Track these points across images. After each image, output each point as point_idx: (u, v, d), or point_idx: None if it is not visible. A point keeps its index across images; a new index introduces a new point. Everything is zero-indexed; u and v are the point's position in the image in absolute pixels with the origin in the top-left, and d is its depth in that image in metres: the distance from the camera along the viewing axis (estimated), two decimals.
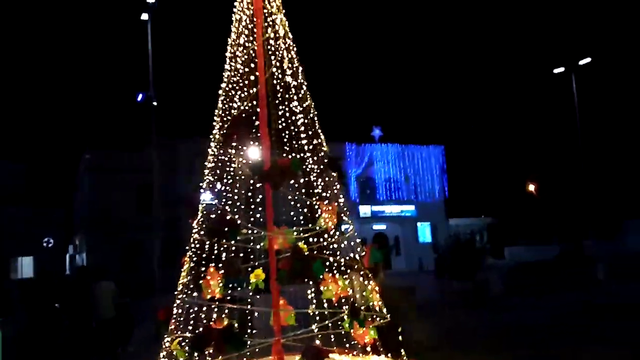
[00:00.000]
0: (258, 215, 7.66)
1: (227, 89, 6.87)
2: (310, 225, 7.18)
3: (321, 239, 7.16)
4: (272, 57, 6.74)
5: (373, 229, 42.85)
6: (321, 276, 6.09)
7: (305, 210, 7.92)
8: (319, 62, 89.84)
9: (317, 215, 7.08)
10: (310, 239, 7.02)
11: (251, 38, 6.93)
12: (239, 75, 6.75)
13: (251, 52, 6.79)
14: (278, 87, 6.74)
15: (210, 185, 7.41)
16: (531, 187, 49.26)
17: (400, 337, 6.53)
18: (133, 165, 33.94)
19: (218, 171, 7.36)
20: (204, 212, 6.74)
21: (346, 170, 41.48)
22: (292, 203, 7.34)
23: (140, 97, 17.13)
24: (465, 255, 17.37)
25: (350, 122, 77.13)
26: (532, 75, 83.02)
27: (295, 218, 7.97)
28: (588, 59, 23.68)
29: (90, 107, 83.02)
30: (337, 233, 7.05)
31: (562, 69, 25.00)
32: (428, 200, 45.05)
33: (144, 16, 16.57)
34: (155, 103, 16.74)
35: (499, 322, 13.31)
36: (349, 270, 7.23)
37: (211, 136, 7.51)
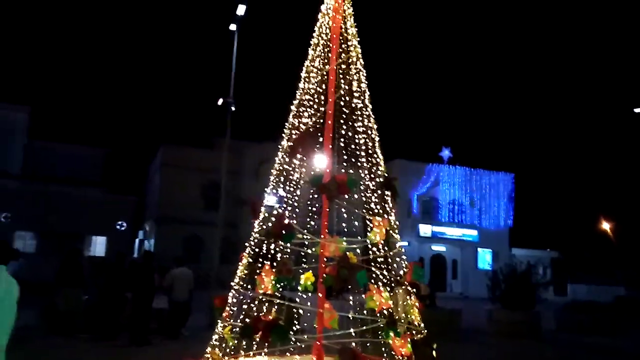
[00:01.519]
0: (314, 223, 8.28)
1: (298, 105, 7.51)
2: (360, 237, 7.70)
3: (370, 252, 7.66)
4: (342, 80, 7.33)
5: (432, 250, 42.52)
6: (365, 285, 6.59)
7: (359, 223, 8.45)
8: (397, 80, 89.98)
9: (369, 229, 7.60)
10: (359, 250, 7.54)
11: (326, 60, 7.55)
12: (310, 94, 7.38)
13: (324, 73, 7.40)
14: (345, 108, 7.31)
15: (274, 190, 8.10)
16: (606, 226, 47.16)
17: (434, 353, 6.87)
18: (203, 164, 35.62)
19: (282, 178, 8.03)
20: (265, 215, 7.39)
21: (409, 189, 41.46)
22: (347, 216, 7.89)
23: (220, 101, 18.20)
24: (520, 285, 17.21)
25: (421, 140, 76.69)
26: (612, 112, 79.60)
27: (347, 229, 8.53)
28: None
29: (170, 104, 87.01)
30: (386, 248, 7.53)
31: None
32: (492, 227, 44.21)
33: (232, 27, 17.69)
34: (233, 108, 17.76)
35: (541, 356, 13.25)
36: (393, 284, 7.68)
37: (279, 146, 8.19)
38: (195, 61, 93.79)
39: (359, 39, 7.58)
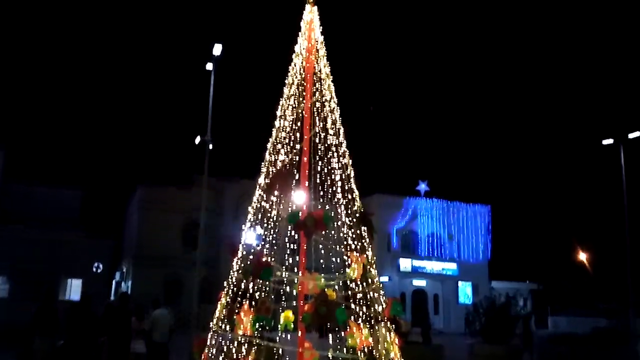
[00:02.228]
0: (292, 261, 8.28)
1: (274, 142, 7.62)
2: (338, 274, 7.70)
3: (349, 288, 7.67)
4: (317, 118, 7.47)
5: (413, 285, 42.41)
6: (344, 322, 6.57)
7: (337, 259, 8.47)
8: (372, 113, 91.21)
9: (347, 265, 7.62)
10: (338, 287, 7.53)
11: (301, 99, 7.69)
12: (286, 131, 7.49)
13: (300, 111, 7.52)
14: (320, 145, 7.42)
15: (252, 228, 8.10)
16: (583, 257, 47.52)
17: None
18: (181, 203, 35.37)
19: (260, 216, 8.05)
20: (243, 253, 7.37)
21: (388, 223, 41.57)
22: (324, 252, 7.91)
23: (197, 140, 18.26)
24: (499, 318, 17.23)
25: (397, 174, 77.44)
26: (584, 144, 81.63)
27: (325, 266, 8.53)
28: (638, 133, 23.75)
29: (148, 143, 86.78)
30: (365, 284, 7.53)
31: (611, 141, 25.12)
32: (471, 259, 44.36)
33: (209, 66, 17.93)
34: (211, 147, 17.82)
35: None
36: (373, 321, 7.66)
37: (257, 183, 8.24)
38: (172, 100, 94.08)
39: (332, 77, 7.78)
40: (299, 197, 7.57)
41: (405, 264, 41.54)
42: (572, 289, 49.33)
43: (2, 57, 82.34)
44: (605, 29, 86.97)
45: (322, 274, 7.54)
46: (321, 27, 7.70)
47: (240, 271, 7.28)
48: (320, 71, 7.80)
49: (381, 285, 7.66)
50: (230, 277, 7.46)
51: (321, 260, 7.82)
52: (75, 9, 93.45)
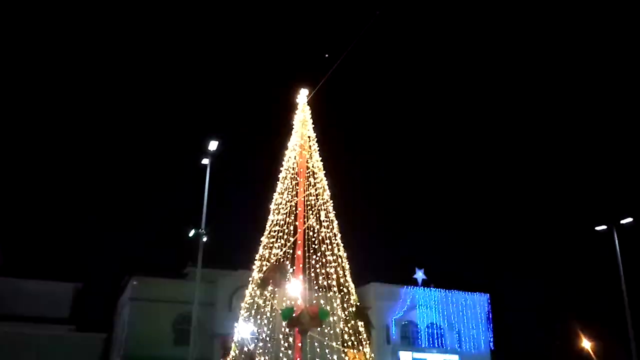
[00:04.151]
0: (289, 353, 8.00)
1: (268, 236, 7.66)
2: None
3: None
4: (311, 211, 7.56)
5: None
6: None
7: (334, 357, 8.22)
8: (365, 201, 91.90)
9: None
10: None
11: (294, 192, 7.83)
12: (280, 225, 7.55)
13: (293, 205, 7.64)
14: (314, 238, 7.45)
15: (246, 322, 7.92)
16: (586, 344, 46.06)
17: None
18: (174, 295, 34.59)
19: (253, 312, 7.91)
20: (236, 352, 7.17)
21: (386, 313, 40.68)
22: (320, 349, 7.69)
23: (192, 233, 18.21)
24: None
25: (393, 262, 76.71)
26: (575, 230, 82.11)
27: None
28: (630, 219, 24.26)
29: (142, 234, 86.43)
30: None
31: (604, 227, 25.50)
32: (473, 350, 42.99)
33: (205, 161, 18.31)
34: (205, 239, 17.75)
35: None
36: None
37: (250, 277, 8.16)
38: (167, 191, 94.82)
39: (324, 171, 7.97)
40: (294, 290, 7.48)
41: (406, 356, 40.11)
42: None
43: None
44: (597, 101, 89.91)
45: None
46: (314, 125, 8.01)
47: None
48: (313, 165, 8.00)
49: None
50: None
51: (317, 353, 7.61)
52: (68, 103, 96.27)
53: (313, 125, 8.11)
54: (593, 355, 44.51)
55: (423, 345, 41.40)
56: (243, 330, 7.69)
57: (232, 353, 7.35)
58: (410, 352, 40.48)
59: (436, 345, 41.83)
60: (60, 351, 29.35)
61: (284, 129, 8.06)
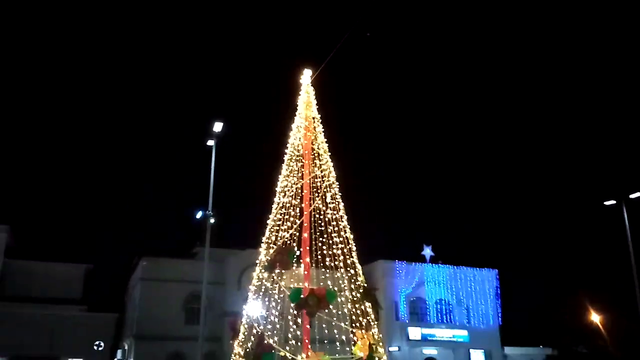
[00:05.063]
0: (299, 333, 8.05)
1: (274, 219, 7.64)
2: (346, 348, 7.50)
3: None
4: (317, 193, 7.51)
5: (423, 354, 41.11)
6: None
7: (342, 336, 8.27)
8: (375, 179, 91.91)
9: (352, 343, 7.42)
10: None
11: (300, 174, 7.78)
12: (286, 207, 7.52)
13: (299, 187, 7.59)
14: (320, 220, 7.43)
15: (253, 305, 7.96)
16: (595, 318, 46.18)
17: None
18: (184, 275, 34.93)
19: (261, 293, 7.94)
20: (245, 334, 7.21)
21: (394, 290, 40.88)
22: (329, 325, 7.72)
23: (199, 214, 18.30)
24: None
25: (401, 239, 76.93)
26: (584, 205, 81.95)
27: (329, 340, 8.28)
28: (639, 194, 24.12)
29: (147, 216, 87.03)
30: None
31: (613, 202, 25.39)
32: (481, 326, 43.21)
33: (210, 142, 18.30)
34: (212, 221, 17.82)
35: None
36: None
37: (257, 259, 8.17)
38: (175, 173, 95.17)
39: (330, 153, 7.89)
40: (296, 276, 7.51)
41: (415, 332, 40.41)
42: (587, 353, 47.70)
43: (5, 146, 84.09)
44: (613, 83, 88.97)
45: (327, 351, 7.34)
46: (318, 106, 7.93)
47: (242, 355, 7.09)
48: (318, 147, 7.94)
49: None
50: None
51: (326, 331, 7.64)
52: (79, 88, 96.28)
53: (317, 107, 8.02)
54: (602, 328, 44.67)
55: (432, 321, 41.63)
56: (251, 311, 7.73)
57: (240, 335, 7.39)
58: (419, 328, 40.72)
59: (445, 321, 42.07)
60: (73, 331, 29.77)
61: (289, 111, 8.01)
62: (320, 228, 7.64)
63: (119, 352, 40.35)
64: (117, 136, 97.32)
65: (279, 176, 8.11)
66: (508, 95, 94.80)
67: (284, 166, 8.00)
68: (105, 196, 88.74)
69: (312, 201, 7.46)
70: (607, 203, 25.61)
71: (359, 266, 7.49)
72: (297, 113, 8.21)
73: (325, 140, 8.12)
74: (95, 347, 30.42)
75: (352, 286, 7.41)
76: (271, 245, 7.53)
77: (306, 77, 8.23)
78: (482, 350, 42.11)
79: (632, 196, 24.64)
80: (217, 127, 17.61)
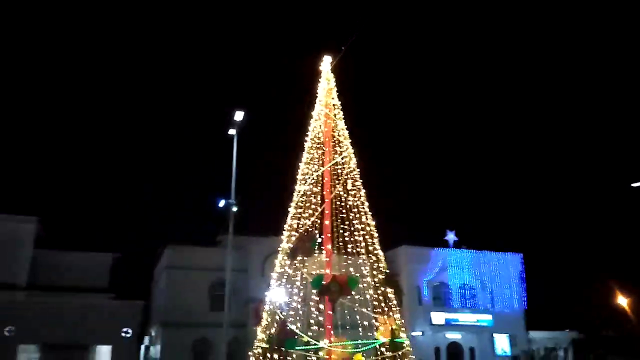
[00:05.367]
0: (320, 319, 8.11)
1: (295, 206, 7.68)
2: (368, 333, 7.54)
3: (378, 352, 7.48)
4: (337, 181, 7.52)
5: (447, 338, 41.13)
6: None
7: (364, 322, 8.30)
8: (398, 164, 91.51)
9: (375, 329, 7.46)
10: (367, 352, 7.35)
11: (320, 162, 7.79)
12: (307, 195, 7.54)
13: (320, 174, 7.60)
14: (341, 207, 7.45)
15: (276, 291, 8.04)
16: (622, 301, 45.57)
17: None
18: (208, 263, 35.33)
19: (284, 280, 8.01)
20: (268, 320, 7.29)
21: (418, 275, 40.87)
22: (352, 311, 7.76)
23: (222, 203, 18.46)
24: None
25: (424, 225, 76.63)
26: (613, 185, 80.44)
27: (352, 325, 8.32)
28: None
29: (172, 205, 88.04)
30: (394, 347, 7.34)
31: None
32: (506, 310, 43.01)
33: (232, 131, 18.40)
34: (235, 209, 17.97)
35: None
36: None
37: (280, 247, 8.23)
38: (198, 162, 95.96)
39: (350, 140, 7.88)
40: (323, 260, 7.54)
41: (438, 317, 40.45)
42: (615, 336, 47.18)
43: (33, 128, 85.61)
44: (632, 72, 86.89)
45: (349, 337, 7.38)
46: (338, 92, 7.90)
47: (265, 340, 7.18)
48: (338, 133, 7.93)
49: (411, 350, 7.46)
50: (255, 346, 7.36)
51: (348, 317, 7.68)
52: (100, 77, 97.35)
53: (338, 93, 8.00)
54: (629, 311, 44.06)
55: (455, 306, 41.57)
56: (274, 297, 7.82)
57: (264, 321, 7.48)
58: (443, 313, 40.73)
59: (468, 306, 41.97)
60: (101, 319, 30.35)
61: (309, 98, 8.00)
62: (341, 215, 7.65)
63: (146, 339, 41.16)
64: (143, 127, 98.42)
65: (300, 164, 8.13)
66: (534, 75, 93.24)
67: (305, 153, 8.01)
68: (130, 187, 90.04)
69: (333, 188, 7.47)
70: (634, 185, 25.08)
71: (380, 252, 7.50)
72: (317, 100, 8.19)
73: (346, 127, 8.10)
74: (123, 334, 31.00)
75: (374, 272, 7.42)
76: (293, 232, 7.57)
77: (326, 63, 8.18)
78: (507, 335, 41.96)
79: None
80: (239, 115, 17.70)
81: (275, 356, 7.05)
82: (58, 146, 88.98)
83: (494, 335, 41.80)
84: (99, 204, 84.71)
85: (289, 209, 7.80)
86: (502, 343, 41.79)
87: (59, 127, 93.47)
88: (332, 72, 8.27)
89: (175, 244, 38.10)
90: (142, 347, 40.98)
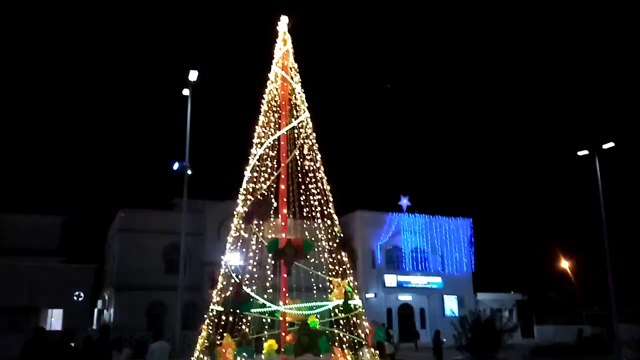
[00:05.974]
0: (276, 283, 8.20)
1: (251, 170, 7.61)
2: (322, 295, 7.67)
3: (332, 314, 7.63)
4: (294, 145, 7.49)
5: (399, 299, 42.39)
6: (327, 351, 6.53)
7: (319, 284, 8.43)
8: (352, 131, 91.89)
9: (329, 291, 7.58)
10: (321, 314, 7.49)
11: (277, 126, 7.71)
12: (263, 159, 7.49)
13: (276, 139, 7.56)
14: (297, 172, 7.44)
15: (232, 255, 8.04)
16: (565, 265, 47.82)
17: None
18: (163, 226, 34.94)
19: (239, 245, 8.00)
20: (224, 283, 7.31)
21: (372, 239, 41.65)
22: (307, 274, 7.86)
23: (176, 166, 18.12)
24: (485, 333, 17.26)
25: (379, 190, 77.73)
26: (557, 155, 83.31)
27: (306, 288, 8.44)
28: (611, 144, 24.56)
29: (125, 167, 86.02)
30: (346, 309, 7.50)
31: (586, 152, 25.81)
32: (455, 273, 44.52)
33: (185, 92, 17.92)
34: (189, 172, 17.71)
35: None
36: (357, 346, 7.62)
37: (235, 210, 8.19)
38: (151, 124, 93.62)
39: (307, 104, 7.81)
40: (273, 227, 7.57)
41: (391, 279, 41.55)
42: (556, 298, 49.60)
43: None
44: (582, 42, 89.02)
45: (304, 299, 7.48)
46: (295, 55, 7.77)
47: (220, 303, 7.20)
48: (295, 97, 7.84)
49: (364, 311, 7.63)
50: (210, 309, 7.37)
51: (302, 281, 7.78)
52: (54, 39, 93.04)
53: (295, 56, 7.86)
54: (570, 274, 46.34)
55: (407, 269, 42.72)
56: (230, 261, 7.81)
57: (219, 284, 7.49)
58: (395, 275, 41.85)
59: (420, 269, 43.20)
60: (52, 282, 29.81)
61: (266, 59, 7.85)
62: (297, 179, 7.65)
63: (99, 302, 40.70)
64: (97, 85, 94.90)
65: (256, 127, 8.04)
66: (483, 46, 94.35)
67: (261, 117, 7.90)
68: (83, 148, 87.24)
69: (289, 152, 7.44)
70: (580, 153, 26.05)
71: (335, 217, 7.56)
72: (273, 62, 8.04)
73: (303, 90, 8.02)
74: (75, 298, 30.60)
75: (329, 236, 7.49)
76: (249, 196, 7.53)
77: (283, 24, 7.95)
78: (455, 296, 43.58)
79: (604, 146, 25.05)
80: (193, 75, 17.24)
81: (231, 319, 7.09)
82: (5, 101, 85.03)
83: (444, 296, 43.35)
84: (50, 164, 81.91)
85: (245, 173, 7.72)
86: (451, 304, 43.39)
87: (12, 82, 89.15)
88: (289, 33, 8.12)
89: (129, 206, 37.44)
90: (96, 310, 40.56)
